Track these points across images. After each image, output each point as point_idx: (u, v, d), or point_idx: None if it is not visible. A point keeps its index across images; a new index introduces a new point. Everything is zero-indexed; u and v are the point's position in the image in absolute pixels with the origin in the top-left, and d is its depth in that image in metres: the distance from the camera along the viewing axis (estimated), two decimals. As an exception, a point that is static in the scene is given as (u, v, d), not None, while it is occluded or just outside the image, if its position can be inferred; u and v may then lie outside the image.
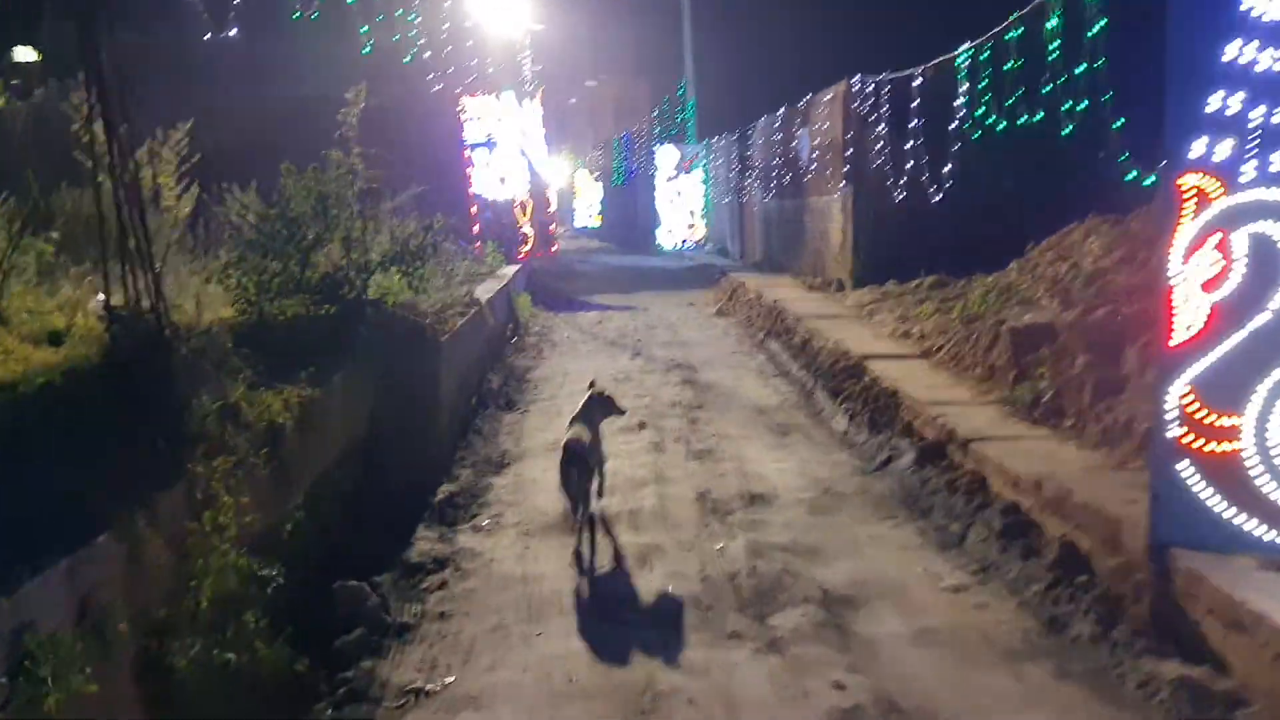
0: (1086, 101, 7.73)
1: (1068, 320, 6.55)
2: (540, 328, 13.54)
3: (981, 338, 7.50)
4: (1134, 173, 8.14)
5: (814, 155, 16.20)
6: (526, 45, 19.92)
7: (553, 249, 18.42)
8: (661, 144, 29.59)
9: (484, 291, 10.86)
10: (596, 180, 42.52)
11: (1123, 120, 8.00)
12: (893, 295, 11.92)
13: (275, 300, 6.30)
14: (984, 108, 9.28)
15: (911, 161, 12.15)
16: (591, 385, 5.87)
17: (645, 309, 15.43)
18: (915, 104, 12.07)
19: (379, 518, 5.45)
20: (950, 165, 11.05)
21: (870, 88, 13.39)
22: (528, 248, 17.61)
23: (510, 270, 14.93)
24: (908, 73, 11.98)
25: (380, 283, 7.11)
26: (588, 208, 44.12)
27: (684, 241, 28.28)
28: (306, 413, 4.77)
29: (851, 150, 14.16)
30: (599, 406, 5.58)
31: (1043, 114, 8.49)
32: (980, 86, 9.14)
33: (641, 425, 7.71)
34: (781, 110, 18.35)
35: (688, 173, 28.67)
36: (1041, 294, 8.77)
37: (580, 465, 5.05)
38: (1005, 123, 9.21)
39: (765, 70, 23.23)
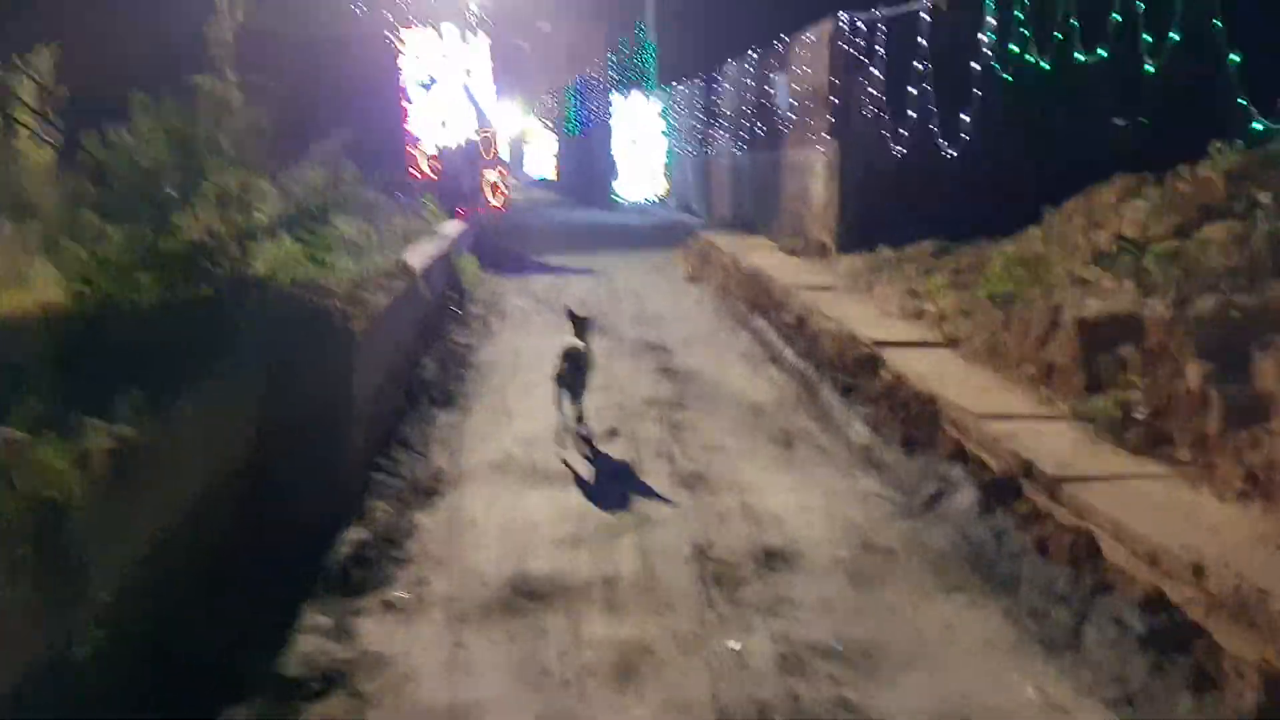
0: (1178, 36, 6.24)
1: (1158, 312, 5.14)
2: (487, 295, 11.88)
3: (1030, 326, 6.07)
4: (1260, 124, 6.70)
5: (793, 104, 14.60)
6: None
7: (502, 203, 16.66)
8: (618, 90, 27.74)
9: (419, 256, 9.19)
10: (550, 130, 40.42)
11: (1240, 58, 6.54)
12: (889, 263, 10.47)
13: (122, 279, 4.63)
14: (1021, 44, 7.76)
15: (915, 112, 10.64)
16: (570, 313, 6.65)
17: (607, 273, 13.82)
18: (923, 44, 10.53)
19: (252, 592, 3.88)
20: (970, 115, 9.53)
21: (863, 27, 11.80)
22: (474, 202, 15.82)
23: (453, 228, 13.21)
24: (911, 8, 10.40)
25: (272, 255, 5.46)
26: (541, 158, 42.08)
27: (645, 196, 26.58)
28: (123, 466, 3.18)
29: (838, 99, 12.59)
30: (585, 327, 6.52)
31: (1106, 51, 7.00)
32: (1019, 18, 7.60)
33: (612, 433, 6.20)
34: (754, 54, 16.68)
35: (647, 122, 26.90)
36: (1084, 269, 7.38)
37: (576, 366, 6.08)
38: (1051, 64, 7.71)
39: (733, 9, 21.44)
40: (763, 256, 12.50)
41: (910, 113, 11.01)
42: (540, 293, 12.29)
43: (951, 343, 6.89)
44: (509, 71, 50.50)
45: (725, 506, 4.86)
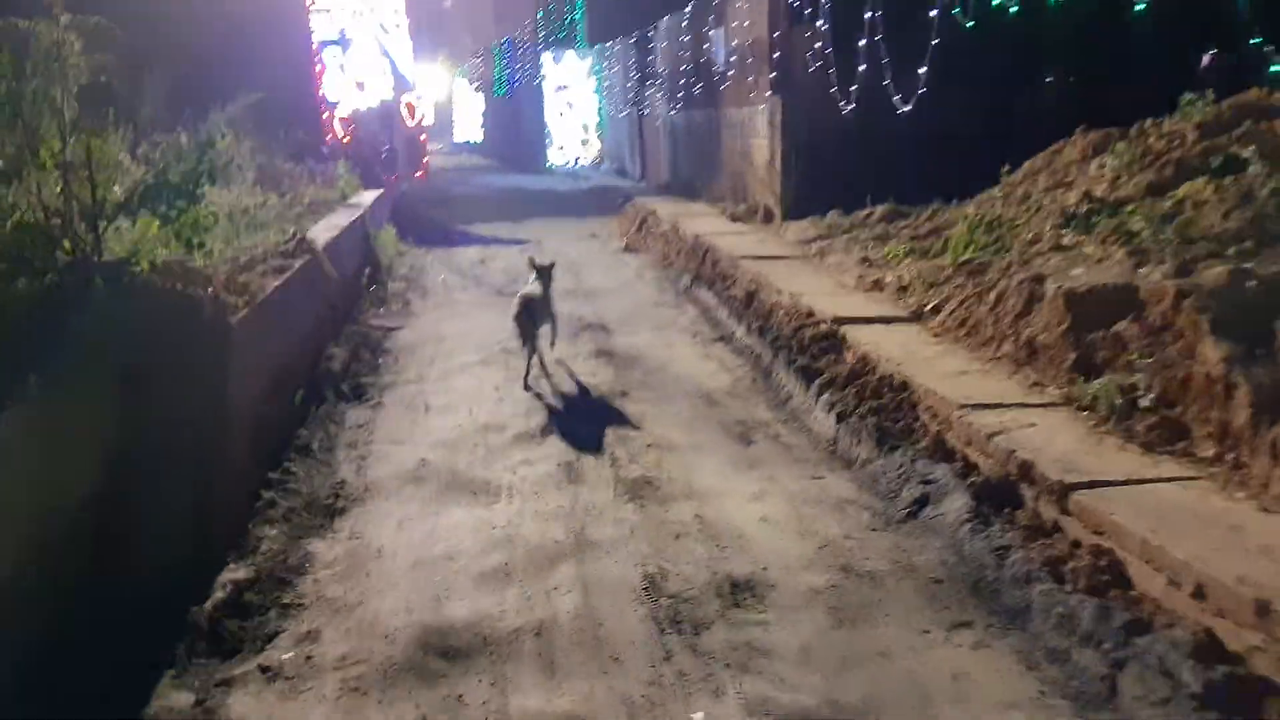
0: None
1: (1156, 282, 4.56)
2: (407, 270, 10.96)
3: (1007, 299, 5.47)
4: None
5: (731, 59, 13.84)
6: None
7: (423, 169, 15.62)
8: (547, 49, 26.61)
9: (324, 230, 8.26)
10: (477, 91, 38.93)
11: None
12: (841, 229, 9.85)
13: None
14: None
15: (864, 66, 9.96)
16: (532, 263, 6.85)
17: (538, 242, 12.94)
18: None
19: (92, 663, 3.08)
20: (922, 69, 8.88)
21: (805, -26, 11.05)
22: (393, 168, 14.76)
23: (369, 197, 12.22)
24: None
25: (129, 235, 4.55)
26: (468, 122, 40.62)
27: (577, 159, 25.62)
28: None
29: (779, 52, 11.87)
30: (548, 276, 6.73)
31: None
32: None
33: (544, 430, 5.45)
34: (689, 6, 15.83)
35: (577, 83, 25.88)
36: (1053, 232, 6.82)
37: (532, 314, 6.36)
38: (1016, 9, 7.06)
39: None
40: (705, 223, 11.79)
41: (859, 67, 10.34)
42: (466, 266, 11.41)
43: (917, 317, 6.28)
44: (433, 30, 48.74)
45: (680, 521, 4.17)
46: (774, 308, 7.05)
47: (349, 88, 14.98)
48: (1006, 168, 8.89)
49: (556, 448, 5.19)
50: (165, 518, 3.88)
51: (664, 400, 5.98)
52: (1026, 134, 10.44)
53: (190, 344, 4.22)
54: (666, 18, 17.49)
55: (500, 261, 11.61)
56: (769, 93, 12.15)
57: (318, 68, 14.90)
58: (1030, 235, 7.00)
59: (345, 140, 14.44)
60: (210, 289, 4.58)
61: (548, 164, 25.53)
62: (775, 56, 11.91)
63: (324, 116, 15.02)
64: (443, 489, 4.69)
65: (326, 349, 6.79)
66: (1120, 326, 4.58)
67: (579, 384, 6.29)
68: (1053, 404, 4.48)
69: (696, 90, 15.60)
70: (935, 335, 5.88)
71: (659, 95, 18.60)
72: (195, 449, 4.14)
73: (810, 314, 6.56)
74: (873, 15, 9.05)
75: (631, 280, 10.21)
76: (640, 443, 5.21)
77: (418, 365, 6.93)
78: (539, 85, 26.54)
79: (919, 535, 3.88)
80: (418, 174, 15.45)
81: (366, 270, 9.60)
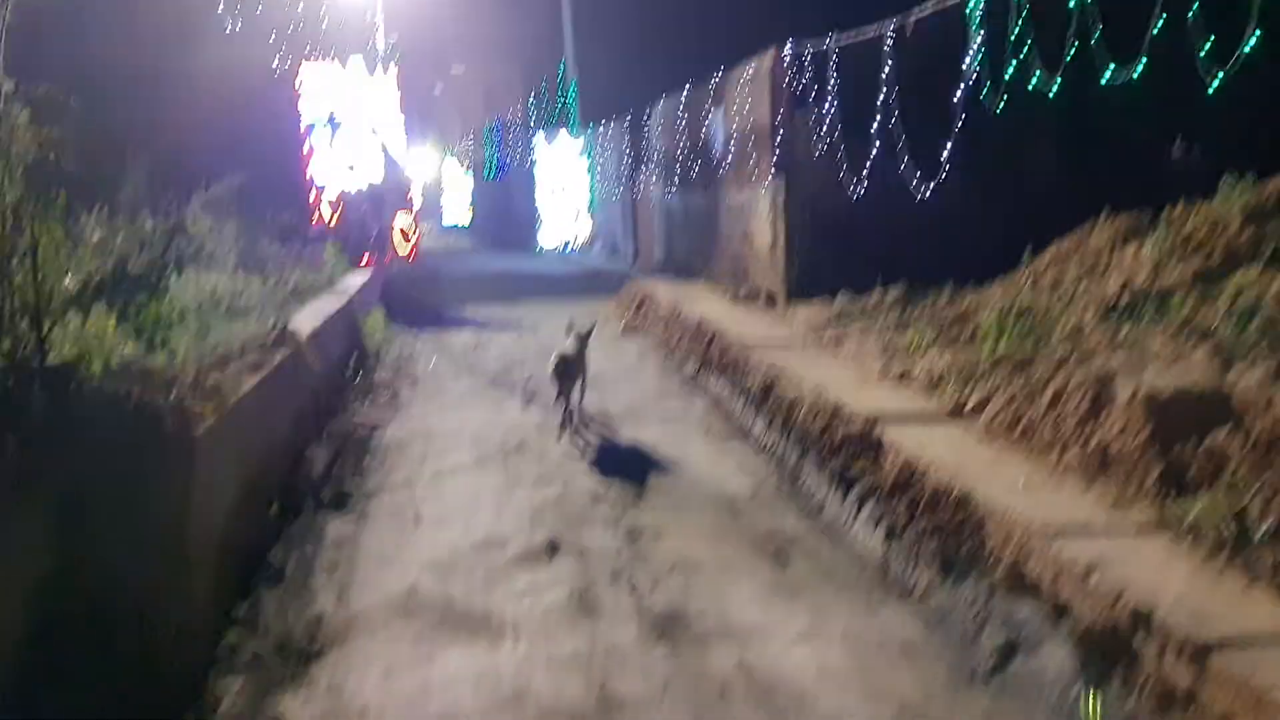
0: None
1: (1255, 389, 4.03)
2: (397, 356, 10.39)
3: (1067, 400, 4.93)
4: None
5: (731, 142, 13.58)
6: (379, 7, 16.50)
7: (413, 251, 15.17)
8: (539, 131, 26.58)
9: (309, 318, 7.71)
10: (467, 173, 39.00)
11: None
12: (853, 315, 9.37)
13: None
14: (1015, 66, 6.73)
15: (867, 149, 9.64)
16: (570, 327, 7.30)
17: (533, 327, 12.45)
18: (886, 72, 9.55)
19: None
20: (929, 152, 8.51)
21: (808, 58, 10.82)
22: (382, 250, 14.30)
23: (357, 280, 11.71)
24: (866, 34, 9.42)
25: (82, 333, 3.97)
26: (457, 203, 40.59)
27: (568, 242, 25.36)
28: None
29: (782, 135, 11.58)
30: (586, 339, 7.22)
31: (1145, 62, 5.99)
32: (1013, 36, 6.57)
33: (552, 548, 4.80)
34: (686, 90, 15.67)
35: (570, 164, 25.79)
36: (1098, 323, 6.35)
37: (569, 370, 6.89)
38: (1057, 83, 6.70)
39: (661, 47, 20.48)
40: (707, 306, 11.31)
41: (866, 149, 10.02)
42: (458, 351, 10.85)
43: (958, 414, 5.72)
44: (424, 115, 49.12)
45: (721, 672, 3.51)
46: (796, 402, 6.49)
47: (341, 169, 14.60)
48: (1028, 252, 8.51)
49: (566, 569, 4.54)
50: (105, 672, 3.22)
51: (683, 508, 5.36)
52: (1039, 218, 10.15)
53: (146, 461, 3.60)
54: (662, 100, 17.36)
55: (494, 347, 11.06)
56: (771, 175, 11.83)
57: (306, 149, 14.55)
58: (1069, 325, 6.52)
59: (333, 222, 14.00)
60: (174, 394, 3.98)
61: (538, 247, 25.26)
62: (777, 140, 11.63)
63: (311, 198, 14.61)
64: (437, 624, 4.03)
65: (308, 450, 6.15)
66: (1215, 438, 4.03)
67: (588, 488, 5.67)
68: (1147, 529, 3.89)
69: (694, 172, 15.34)
70: (984, 437, 5.30)
71: (654, 177, 18.38)
72: (147, 585, 3.49)
73: (838, 409, 5.99)
74: (886, 98, 8.71)
75: (634, 366, 9.66)
76: (662, 562, 4.58)
77: (407, 467, 6.29)
78: (530, 167, 26.45)
79: (1014, 696, 3.24)
80: (408, 256, 14.99)
81: (353, 358, 9.01)
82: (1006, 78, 6.63)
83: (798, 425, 6.12)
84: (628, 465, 6.11)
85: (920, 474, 4.84)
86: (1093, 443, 4.56)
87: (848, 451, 5.43)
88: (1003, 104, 6.67)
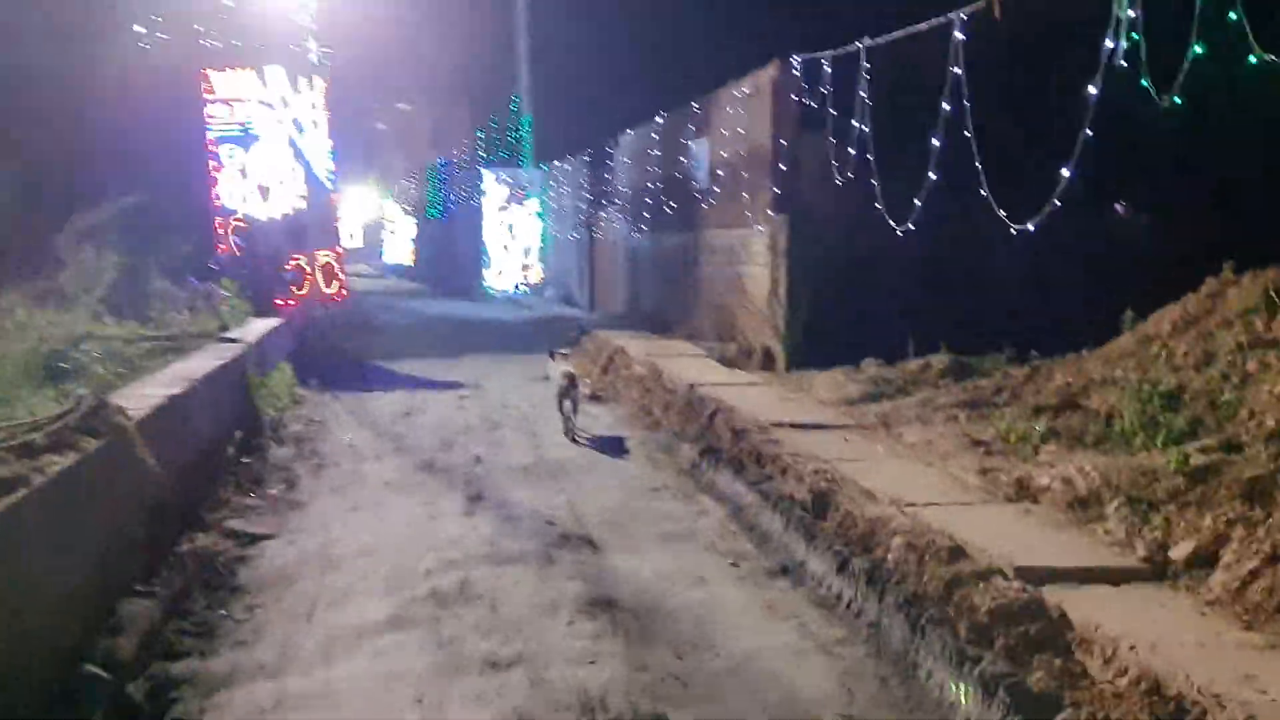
0: None
1: None
2: (303, 427, 8.07)
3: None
4: None
5: (717, 174, 11.65)
6: (311, 12, 14.27)
7: (337, 292, 12.85)
8: (488, 170, 24.52)
9: (164, 385, 5.41)
10: (409, 214, 36.76)
11: None
12: (893, 386, 7.41)
13: None
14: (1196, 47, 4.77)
15: (889, 179, 7.73)
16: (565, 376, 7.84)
17: (479, 386, 10.25)
18: (908, 82, 7.66)
19: None
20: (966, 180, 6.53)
21: (825, 70, 8.92)
22: (298, 290, 11.95)
23: (259, 328, 9.39)
24: (907, 31, 7.52)
25: None
26: (400, 244, 38.27)
27: (517, 286, 23.21)
28: None
29: (785, 164, 9.69)
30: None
31: None
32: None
33: None
34: (661, 117, 13.76)
35: (521, 203, 23.75)
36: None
37: (572, 393, 7.71)
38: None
39: (621, 81, 18.57)
40: (692, 368, 9.23)
41: (899, 178, 8.13)
42: (384, 420, 8.58)
43: (1161, 570, 3.67)
44: (367, 153, 46.83)
45: None
46: (877, 529, 4.38)
47: (250, 191, 12.29)
48: (1129, 315, 6.61)
49: None
50: None
51: (733, 730, 3.19)
52: (1112, 271, 8.35)
53: None
54: (632, 131, 15.45)
55: (430, 413, 8.82)
56: (770, 212, 9.89)
57: (212, 168, 12.23)
58: (1263, 419, 4.55)
59: (238, 255, 11.67)
60: None
61: (485, 289, 23.07)
62: (779, 169, 9.71)
63: (216, 226, 12.26)
64: None
65: (119, 605, 3.83)
66: None
67: (571, 684, 3.45)
68: None
69: (668, 209, 13.36)
70: (1235, 621, 3.25)
71: (617, 216, 16.40)
72: None
73: (958, 555, 3.90)
74: (950, 108, 6.77)
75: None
76: None
77: (282, 628, 4.01)
78: (477, 206, 24.33)
79: None
80: (331, 298, 12.67)
81: (238, 435, 6.69)
82: (1190, 58, 4.70)
83: (892, 572, 4.00)
84: (628, 635, 3.92)
85: (1159, 693, 2.76)
86: None
87: (1005, 636, 3.33)
88: (1175, 101, 4.76)
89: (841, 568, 4.23)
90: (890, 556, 4.12)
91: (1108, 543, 4.01)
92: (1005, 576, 3.68)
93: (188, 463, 5.44)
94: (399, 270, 35.76)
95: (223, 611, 4.17)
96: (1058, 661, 3.15)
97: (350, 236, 51.85)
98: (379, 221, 44.89)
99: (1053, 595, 3.49)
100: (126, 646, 3.58)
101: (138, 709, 3.31)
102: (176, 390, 5.28)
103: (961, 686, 3.24)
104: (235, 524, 5.36)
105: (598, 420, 8.44)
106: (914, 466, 5.35)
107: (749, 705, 3.36)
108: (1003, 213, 6.19)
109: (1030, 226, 5.97)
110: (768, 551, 4.89)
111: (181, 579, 4.33)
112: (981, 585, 3.62)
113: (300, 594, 4.37)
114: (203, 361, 6.76)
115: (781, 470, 5.47)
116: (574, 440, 7.48)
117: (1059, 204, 5.83)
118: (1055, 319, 7.92)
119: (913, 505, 4.55)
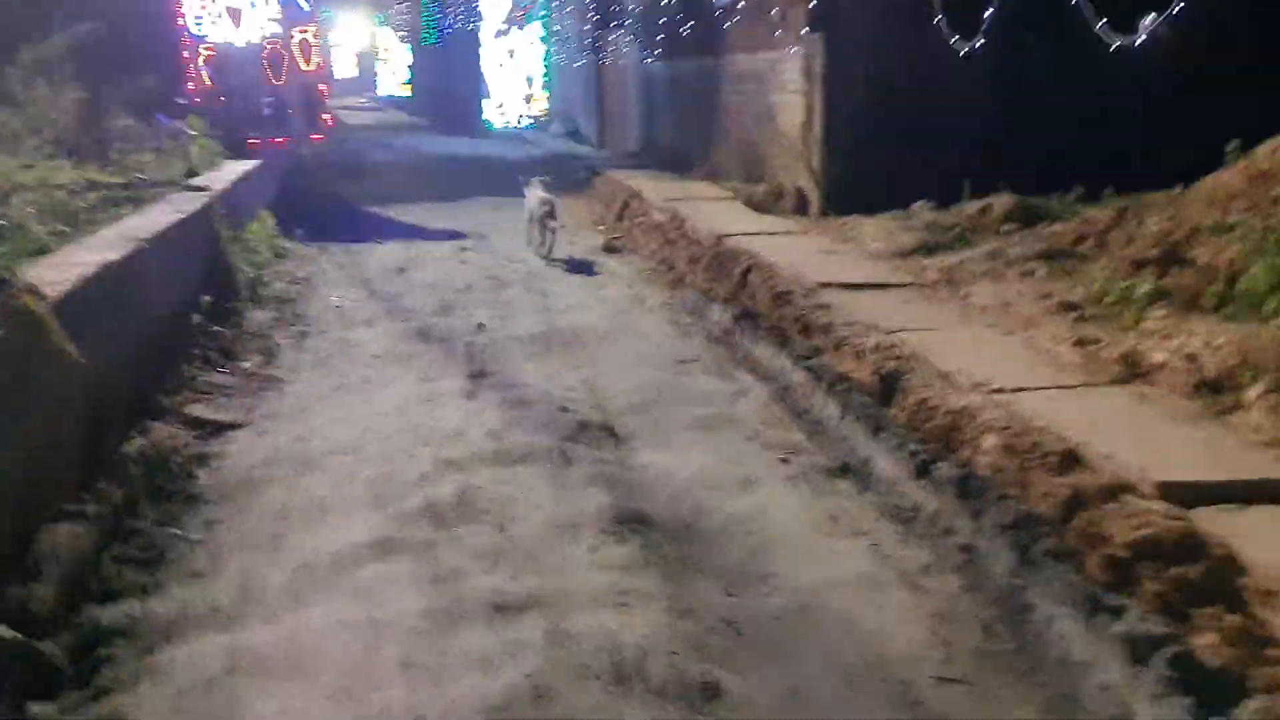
0: None
1: None
2: (285, 285, 7.27)
3: None
4: None
5: (742, -14, 10.24)
6: None
7: (321, 130, 11.70)
8: (486, -12, 22.58)
9: (96, 251, 4.52)
10: (405, 42, 34.53)
11: None
12: (951, 234, 6.47)
13: None
14: None
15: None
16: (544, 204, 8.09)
17: (482, 235, 9.36)
18: None
19: None
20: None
21: None
22: (278, 128, 10.83)
23: (234, 171, 8.41)
24: None
25: None
26: (395, 75, 36.24)
27: (520, 118, 21.80)
28: None
29: (823, -29, 8.37)
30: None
31: None
32: None
33: None
34: (676, -80, 12.12)
35: (521, 27, 21.99)
36: None
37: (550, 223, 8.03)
38: None
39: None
40: (719, 214, 8.27)
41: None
42: (376, 276, 7.75)
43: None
44: (353, -27, 43.68)
45: None
46: (960, 422, 3.59)
47: (218, 18, 10.97)
48: (1235, 145, 5.59)
49: None
50: None
51: (815, 703, 2.51)
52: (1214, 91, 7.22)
53: None
54: (641, -62, 13.77)
55: (428, 268, 7.97)
56: (804, 29, 8.62)
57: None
58: None
59: (210, 88, 10.49)
60: None
61: (485, 124, 21.67)
62: (816, -23, 8.39)
63: (185, 57, 11.02)
64: None
65: (41, 530, 3.12)
66: None
67: (596, 638, 2.76)
68: None
69: (685, 31, 11.96)
70: None
71: (628, 40, 14.89)
72: None
73: (1073, 460, 3.13)
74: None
75: (628, 310, 6.66)
76: None
77: (245, 555, 3.31)
78: (474, 31, 22.54)
79: None
80: (314, 135, 11.54)
81: (206, 300, 5.86)
82: None
83: (989, 482, 3.25)
84: (662, 554, 3.21)
85: None
86: None
87: (1156, 580, 2.58)
88: None
89: (921, 472, 3.48)
90: (983, 460, 3.35)
91: (1257, 440, 3.23)
92: (1139, 494, 2.91)
93: (140, 339, 4.65)
94: (394, 101, 33.98)
95: (174, 530, 3.48)
96: (1230, 619, 2.41)
97: (342, 66, 49.42)
98: (371, 50, 42.57)
99: (1208, 521, 2.73)
100: (44, 591, 2.89)
101: (58, 673, 2.65)
102: (115, 255, 4.41)
103: (1098, 647, 2.53)
104: (198, 410, 4.63)
105: (615, 279, 7.58)
106: (992, 336, 4.52)
107: (821, 664, 2.67)
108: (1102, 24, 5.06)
109: (1143, 38, 4.86)
110: (824, 443, 4.14)
111: (124, 490, 3.61)
112: (1112, 506, 2.86)
113: (269, 506, 3.67)
114: (160, 215, 5.85)
115: (835, 344, 4.64)
116: (547, 261, 8.01)
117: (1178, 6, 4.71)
118: (1127, 149, 6.93)
119: (1001, 390, 3.74)
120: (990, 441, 3.37)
